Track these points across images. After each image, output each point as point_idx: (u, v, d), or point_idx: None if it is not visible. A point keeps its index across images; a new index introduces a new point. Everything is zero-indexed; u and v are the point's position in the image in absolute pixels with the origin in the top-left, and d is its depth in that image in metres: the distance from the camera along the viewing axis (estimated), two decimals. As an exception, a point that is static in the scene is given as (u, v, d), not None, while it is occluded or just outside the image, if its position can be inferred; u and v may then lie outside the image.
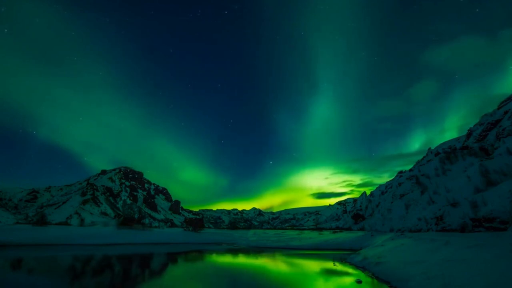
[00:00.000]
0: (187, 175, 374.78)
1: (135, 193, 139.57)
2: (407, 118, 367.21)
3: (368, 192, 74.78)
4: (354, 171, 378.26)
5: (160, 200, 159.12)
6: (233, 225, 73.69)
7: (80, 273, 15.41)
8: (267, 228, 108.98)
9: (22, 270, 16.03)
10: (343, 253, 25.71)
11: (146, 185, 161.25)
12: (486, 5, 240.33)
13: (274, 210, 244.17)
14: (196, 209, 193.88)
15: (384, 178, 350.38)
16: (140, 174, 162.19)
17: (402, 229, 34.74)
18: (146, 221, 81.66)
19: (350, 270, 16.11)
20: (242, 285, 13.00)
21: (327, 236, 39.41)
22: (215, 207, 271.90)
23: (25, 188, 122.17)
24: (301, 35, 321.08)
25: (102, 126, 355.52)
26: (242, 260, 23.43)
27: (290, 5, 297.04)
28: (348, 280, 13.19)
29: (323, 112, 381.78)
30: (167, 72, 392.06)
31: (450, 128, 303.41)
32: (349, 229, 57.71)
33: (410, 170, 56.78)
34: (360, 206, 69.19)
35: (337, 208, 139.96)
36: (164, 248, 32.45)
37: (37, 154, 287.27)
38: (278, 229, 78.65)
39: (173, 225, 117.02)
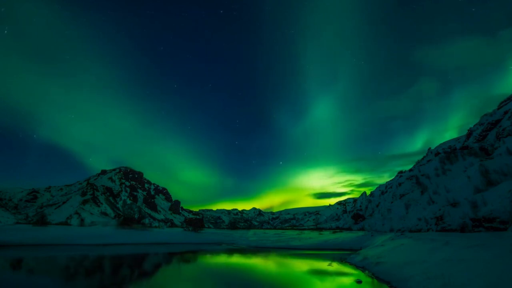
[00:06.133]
0: (187, 175, 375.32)
1: (135, 193, 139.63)
2: (407, 118, 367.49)
3: (368, 192, 74.86)
4: (354, 171, 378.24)
5: (160, 200, 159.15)
6: (233, 225, 73.63)
7: (80, 273, 15.41)
8: (267, 228, 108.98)
9: (22, 270, 16.03)
10: (343, 253, 25.70)
11: (146, 185, 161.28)
12: (486, 5, 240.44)
13: (274, 210, 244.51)
14: (196, 209, 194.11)
15: (384, 178, 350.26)
16: (140, 174, 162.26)
17: (402, 229, 34.72)
18: (146, 221, 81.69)
19: (350, 270, 16.10)
20: (242, 286, 12.99)
21: (327, 236, 39.41)
22: (215, 207, 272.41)
23: (25, 188, 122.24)
24: (302, 34, 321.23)
25: (102, 126, 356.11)
26: (242, 260, 23.42)
27: (290, 5, 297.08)
28: (348, 280, 13.19)
29: (323, 112, 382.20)
30: (167, 72, 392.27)
31: (450, 128, 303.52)
32: (349, 229, 57.70)
33: (410, 170, 56.74)
34: (360, 206, 69.20)
35: (337, 208, 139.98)
36: (164, 248, 32.45)
37: (37, 154, 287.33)
38: (278, 229, 78.64)
39: (173, 225, 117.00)
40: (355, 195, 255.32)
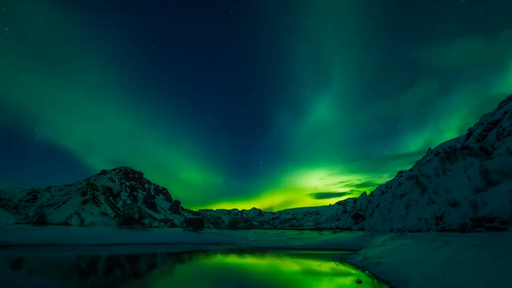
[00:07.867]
0: (187, 175, 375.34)
1: (135, 193, 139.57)
2: (407, 118, 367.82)
3: (368, 192, 74.77)
4: (354, 171, 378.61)
5: (160, 200, 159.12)
6: (233, 225, 73.50)
7: (80, 273, 15.42)
8: (267, 228, 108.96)
9: (22, 270, 16.03)
10: (343, 253, 25.69)
11: (146, 185, 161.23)
12: (486, 5, 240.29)
13: (274, 210, 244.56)
14: (196, 209, 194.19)
15: (384, 178, 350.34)
16: (140, 174, 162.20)
17: (402, 229, 34.74)
18: (146, 221, 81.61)
19: (350, 270, 16.11)
20: (242, 285, 12.99)
21: (327, 236, 39.40)
22: (215, 207, 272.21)
23: (25, 188, 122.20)
24: (300, 36, 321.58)
25: (102, 126, 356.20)
26: (242, 260, 23.43)
27: (289, 7, 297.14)
28: (348, 280, 13.19)
29: (324, 112, 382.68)
30: (167, 72, 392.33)
31: (450, 128, 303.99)
32: (349, 229, 57.72)
33: (410, 170, 56.75)
34: (360, 206, 69.20)
35: (337, 208, 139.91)
36: (164, 248, 32.45)
37: (37, 154, 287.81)
38: (278, 229, 78.64)
39: (173, 225, 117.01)
40: (355, 195, 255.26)
